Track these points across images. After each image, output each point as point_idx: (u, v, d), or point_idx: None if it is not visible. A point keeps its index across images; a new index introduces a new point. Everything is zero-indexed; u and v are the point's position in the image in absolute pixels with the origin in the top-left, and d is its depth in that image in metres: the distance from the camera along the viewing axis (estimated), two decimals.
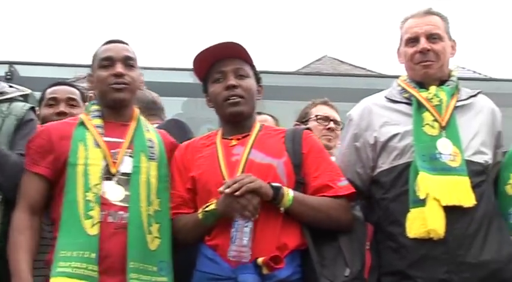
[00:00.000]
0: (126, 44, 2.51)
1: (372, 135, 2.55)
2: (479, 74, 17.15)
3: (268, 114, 3.79)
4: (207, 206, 2.30)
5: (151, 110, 3.43)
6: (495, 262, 2.36)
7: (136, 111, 2.54)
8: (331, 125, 3.46)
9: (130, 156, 2.37)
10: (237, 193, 2.19)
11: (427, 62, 2.56)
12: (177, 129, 2.93)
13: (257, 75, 2.53)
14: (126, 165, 2.35)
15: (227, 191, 2.20)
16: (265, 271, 2.21)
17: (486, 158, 2.51)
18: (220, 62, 2.46)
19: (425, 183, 2.36)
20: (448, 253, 2.34)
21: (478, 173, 2.45)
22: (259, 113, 3.64)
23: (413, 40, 2.58)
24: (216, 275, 2.26)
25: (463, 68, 19.34)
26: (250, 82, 2.48)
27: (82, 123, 2.41)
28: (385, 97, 2.64)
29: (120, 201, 2.29)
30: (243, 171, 2.33)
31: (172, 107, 8.10)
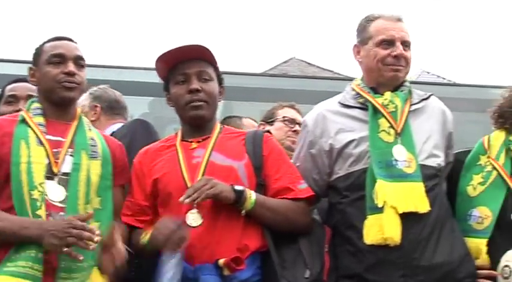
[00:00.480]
0: (76, 42, 2.45)
1: (327, 142, 2.54)
2: (444, 78, 17.44)
3: (251, 119, 3.79)
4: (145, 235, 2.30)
5: (115, 109, 3.40)
6: (447, 264, 2.40)
7: (79, 110, 2.47)
8: (297, 127, 3.49)
9: (71, 155, 2.31)
10: (197, 200, 2.21)
11: (398, 67, 2.57)
12: (143, 130, 2.91)
13: (220, 77, 2.53)
14: (67, 165, 2.29)
15: (187, 201, 2.21)
16: (226, 272, 2.22)
17: (439, 160, 2.55)
18: (184, 64, 2.44)
19: (382, 191, 2.37)
20: (403, 257, 2.37)
21: (431, 177, 2.49)
22: (240, 118, 3.65)
23: (388, 43, 2.56)
24: None
25: (428, 72, 19.66)
26: (213, 86, 2.47)
27: (23, 121, 2.33)
28: (339, 102, 2.63)
29: (60, 201, 2.23)
30: (203, 174, 2.34)
31: (139, 107, 8.05)
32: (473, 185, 2.61)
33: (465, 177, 2.65)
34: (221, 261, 2.21)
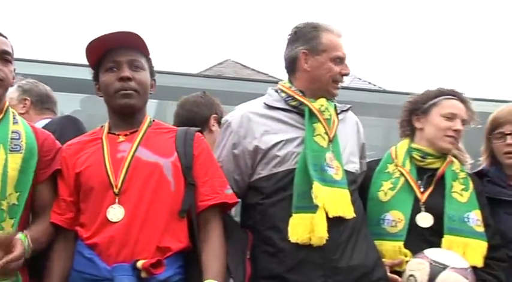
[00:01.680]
0: (6, 37, 2.38)
1: (251, 143, 2.55)
2: (374, 85, 17.85)
3: None
4: None
5: (45, 103, 3.33)
6: (363, 266, 2.48)
7: (7, 104, 2.40)
8: None
9: None
10: None
11: (339, 84, 2.65)
12: (72, 127, 2.85)
13: (152, 68, 2.47)
14: None
15: None
16: (143, 275, 2.16)
17: (357, 167, 2.66)
18: (115, 51, 2.37)
19: (321, 193, 2.42)
20: (324, 258, 2.42)
21: (351, 182, 2.58)
22: None
23: (340, 60, 2.62)
24: (92, 275, 2.19)
25: (360, 78, 20.08)
26: (145, 75, 2.41)
27: None
28: (264, 103, 2.65)
29: None
30: (128, 169, 2.28)
31: (71, 104, 7.86)
32: (384, 190, 2.74)
33: (375, 183, 2.77)
34: (139, 264, 2.15)
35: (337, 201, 2.45)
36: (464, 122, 2.79)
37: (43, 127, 2.86)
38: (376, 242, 2.63)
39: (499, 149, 2.87)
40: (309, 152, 2.48)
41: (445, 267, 2.42)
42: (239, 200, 2.52)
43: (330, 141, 2.55)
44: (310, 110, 2.56)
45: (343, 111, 2.72)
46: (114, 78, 2.35)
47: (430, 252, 2.51)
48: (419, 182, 2.74)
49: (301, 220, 2.41)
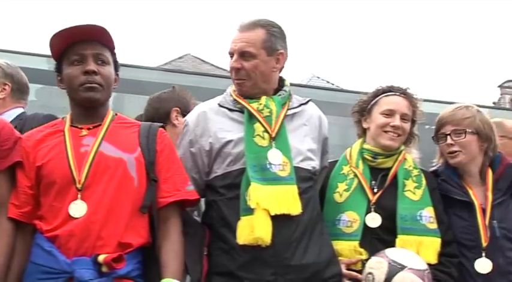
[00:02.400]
0: None
1: (207, 141, 2.56)
2: (333, 84, 18.03)
3: None
4: None
5: (24, 94, 3.26)
6: (316, 264, 2.49)
7: None
8: None
9: None
10: None
11: (239, 80, 2.62)
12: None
13: (116, 63, 2.45)
14: None
15: None
16: (104, 269, 2.15)
17: (314, 164, 2.64)
18: (80, 44, 2.34)
19: (256, 193, 2.42)
20: (275, 256, 2.43)
21: (305, 179, 2.57)
22: None
23: (231, 54, 2.62)
24: (50, 268, 2.16)
25: (318, 77, 20.24)
26: (110, 70, 2.39)
27: None
28: (218, 104, 2.66)
29: None
30: (91, 164, 2.26)
31: None
32: (339, 192, 2.75)
33: (331, 185, 2.78)
34: (101, 258, 2.14)
35: (280, 199, 2.44)
36: (405, 116, 2.79)
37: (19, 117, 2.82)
38: (332, 242, 2.64)
39: (443, 149, 2.90)
40: (248, 154, 2.49)
41: (402, 267, 2.45)
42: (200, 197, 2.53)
43: (272, 138, 2.54)
44: (249, 111, 2.57)
45: (302, 104, 2.71)
46: (79, 71, 2.33)
47: (391, 252, 2.54)
48: (373, 182, 2.76)
49: (247, 222, 2.42)
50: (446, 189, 2.85)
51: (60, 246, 2.16)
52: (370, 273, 2.50)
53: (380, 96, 2.83)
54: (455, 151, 2.84)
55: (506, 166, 2.91)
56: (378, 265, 2.50)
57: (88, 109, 2.37)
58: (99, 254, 2.15)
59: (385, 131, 2.76)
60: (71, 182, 2.23)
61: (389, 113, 2.77)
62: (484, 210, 2.78)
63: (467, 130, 2.83)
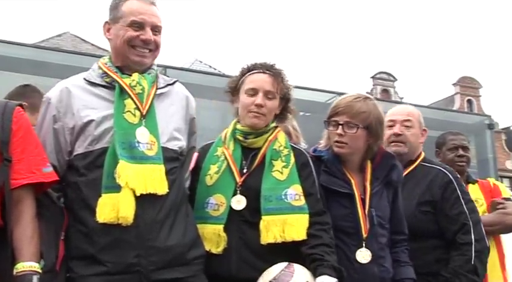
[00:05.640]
0: None
1: (71, 118, 2.48)
2: (215, 69, 18.11)
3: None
4: None
5: None
6: (179, 246, 2.47)
7: None
8: None
9: None
10: None
11: (144, 53, 2.57)
12: None
13: None
14: None
15: None
16: None
17: (180, 144, 2.62)
18: None
19: (124, 171, 2.37)
20: (139, 238, 2.38)
21: (172, 160, 2.55)
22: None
23: (139, 25, 2.55)
24: None
25: (201, 61, 20.24)
26: None
27: None
28: (84, 79, 2.57)
29: None
30: None
31: None
32: (211, 174, 2.74)
33: (205, 167, 2.78)
34: None
35: (146, 178, 2.41)
36: (269, 94, 2.77)
37: None
38: (200, 226, 2.64)
39: (331, 136, 2.93)
40: (117, 130, 2.44)
41: None
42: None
43: (143, 116, 2.51)
44: (121, 86, 2.52)
45: (169, 84, 2.68)
46: None
47: (298, 270, 2.54)
48: (244, 162, 2.77)
49: (109, 200, 2.36)
50: (329, 181, 2.88)
51: None
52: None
53: (246, 75, 2.83)
54: (343, 142, 2.89)
55: (382, 155, 3.02)
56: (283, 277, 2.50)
57: None
58: None
59: (249, 111, 2.76)
60: None
61: (253, 92, 2.77)
62: (363, 200, 2.88)
63: (360, 125, 2.87)
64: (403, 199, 3.08)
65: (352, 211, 2.85)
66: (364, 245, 2.82)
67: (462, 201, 3.25)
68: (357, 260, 2.80)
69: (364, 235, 2.82)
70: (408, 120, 3.41)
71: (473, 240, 3.16)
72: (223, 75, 13.02)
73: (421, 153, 3.48)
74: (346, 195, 2.87)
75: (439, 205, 3.23)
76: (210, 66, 17.94)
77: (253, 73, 2.81)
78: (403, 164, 3.27)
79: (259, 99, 2.74)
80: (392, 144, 3.36)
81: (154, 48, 2.59)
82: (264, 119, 2.78)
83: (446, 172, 3.33)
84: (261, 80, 2.78)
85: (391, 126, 3.39)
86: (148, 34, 2.54)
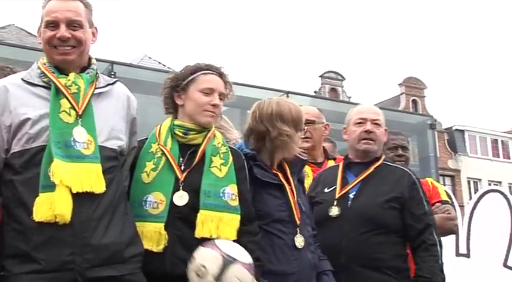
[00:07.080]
0: None
1: (8, 116, 2.47)
2: (164, 65, 18.00)
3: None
4: None
5: None
6: (116, 244, 2.47)
7: None
8: None
9: None
10: None
11: (65, 51, 2.56)
12: None
13: None
14: None
15: None
16: None
17: (120, 143, 2.63)
18: None
19: (58, 170, 2.38)
20: (74, 236, 2.38)
21: (110, 159, 2.55)
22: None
23: (54, 25, 2.55)
24: None
25: (150, 57, 20.06)
26: None
27: None
28: (22, 79, 2.57)
29: None
30: None
31: None
32: (147, 171, 2.76)
33: (140, 165, 2.79)
34: None
35: (83, 176, 2.42)
36: (222, 96, 2.88)
37: None
38: (138, 224, 2.65)
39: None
40: (53, 129, 2.44)
41: (234, 260, 2.54)
42: None
43: (79, 115, 2.51)
44: (56, 86, 2.52)
45: (109, 84, 2.69)
46: None
47: (222, 244, 2.60)
48: (181, 159, 2.80)
49: (46, 199, 2.36)
50: (261, 173, 2.99)
51: None
52: (203, 265, 2.53)
53: (198, 74, 2.87)
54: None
55: None
56: (210, 257, 2.54)
57: None
58: None
59: (205, 110, 2.83)
60: None
61: (209, 92, 2.83)
62: (292, 190, 3.05)
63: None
64: (368, 194, 3.35)
65: (285, 201, 3.02)
66: (298, 231, 2.99)
67: (424, 203, 3.41)
68: (296, 246, 2.95)
69: (298, 222, 3.01)
70: (378, 119, 3.55)
71: (437, 241, 3.33)
72: (173, 72, 12.98)
73: (382, 152, 3.64)
74: (277, 186, 3.03)
75: (406, 203, 3.36)
76: (159, 63, 17.82)
77: (208, 74, 2.88)
78: (370, 161, 3.47)
79: (216, 99, 2.84)
80: (363, 141, 3.48)
81: (77, 43, 2.57)
82: (216, 118, 2.92)
83: (411, 173, 3.49)
84: (217, 82, 2.88)
85: (360, 124, 3.52)
86: (61, 31, 2.54)
